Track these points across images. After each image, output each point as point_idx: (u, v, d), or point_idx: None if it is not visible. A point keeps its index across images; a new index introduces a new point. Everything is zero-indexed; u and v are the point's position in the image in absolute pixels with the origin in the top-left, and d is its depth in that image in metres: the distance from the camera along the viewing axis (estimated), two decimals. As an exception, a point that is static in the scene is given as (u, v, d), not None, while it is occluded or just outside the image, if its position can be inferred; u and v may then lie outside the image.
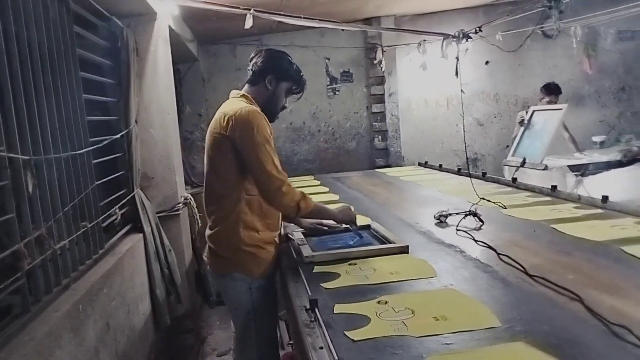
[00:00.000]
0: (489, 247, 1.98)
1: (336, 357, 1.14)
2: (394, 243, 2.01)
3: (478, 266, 1.78)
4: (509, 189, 3.52)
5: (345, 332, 1.26)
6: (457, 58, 3.48)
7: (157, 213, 3.20)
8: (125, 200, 2.88)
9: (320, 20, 3.66)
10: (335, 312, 1.41)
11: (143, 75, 3.21)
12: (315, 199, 3.67)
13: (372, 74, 6.14)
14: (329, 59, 6.18)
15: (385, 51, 5.73)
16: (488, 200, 2.79)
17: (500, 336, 1.21)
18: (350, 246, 2.06)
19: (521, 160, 4.26)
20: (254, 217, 2.01)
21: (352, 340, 1.23)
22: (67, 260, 2.00)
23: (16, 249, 1.56)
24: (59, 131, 2.04)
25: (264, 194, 1.95)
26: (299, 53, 6.09)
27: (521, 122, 4.66)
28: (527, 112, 4.63)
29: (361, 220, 2.35)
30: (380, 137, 6.26)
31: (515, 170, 4.29)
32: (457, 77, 3.33)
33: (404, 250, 1.95)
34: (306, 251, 1.97)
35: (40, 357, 1.53)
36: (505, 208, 2.74)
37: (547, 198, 3.01)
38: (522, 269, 1.67)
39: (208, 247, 2.12)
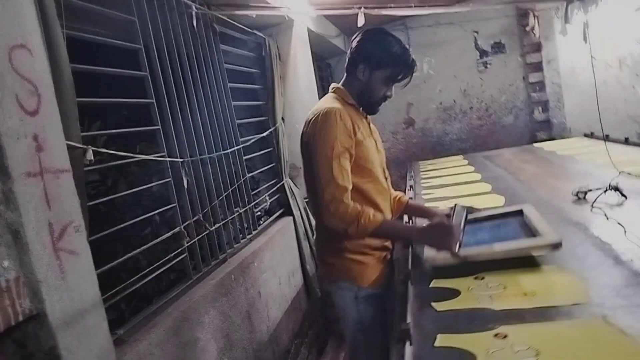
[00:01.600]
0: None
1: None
2: (544, 237, 1.54)
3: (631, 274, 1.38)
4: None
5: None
6: (585, 22, 3.13)
7: (305, 199, 3.59)
8: (275, 188, 3.33)
9: (430, 6, 3.62)
10: (435, 344, 1.15)
11: (286, 78, 3.62)
12: (457, 178, 3.75)
13: (526, 42, 5.76)
14: (477, 32, 5.97)
15: (537, 16, 5.33)
16: (629, 174, 2.55)
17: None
18: (486, 242, 1.65)
19: None
20: None
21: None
22: (223, 239, 2.46)
23: (177, 230, 2.03)
24: (212, 135, 2.51)
25: (320, 210, 1.68)
26: (445, 31, 6.02)
27: None
28: None
29: (493, 202, 2.09)
30: (540, 108, 5.85)
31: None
32: (585, 43, 3.00)
33: (557, 246, 1.48)
34: (428, 252, 1.62)
35: (197, 313, 1.98)
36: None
37: None
38: None
39: (316, 252, 1.95)
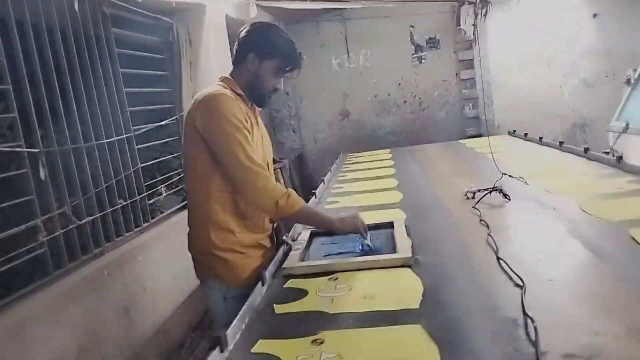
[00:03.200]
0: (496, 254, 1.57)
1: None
2: (396, 254, 1.61)
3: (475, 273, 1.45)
4: (608, 169, 2.72)
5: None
6: (474, 25, 3.19)
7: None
8: (178, 178, 3.25)
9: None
10: (252, 350, 1.15)
11: (197, 63, 3.53)
12: (372, 172, 3.79)
13: (459, 39, 5.84)
14: (413, 27, 6.00)
15: (469, 15, 5.39)
16: (510, 176, 2.61)
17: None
18: (351, 253, 1.72)
19: (624, 125, 3.77)
20: (228, 216, 1.71)
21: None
22: (100, 232, 2.38)
23: (33, 224, 1.93)
24: (92, 122, 2.41)
25: (239, 189, 1.67)
26: (382, 24, 6.03)
27: (627, 82, 4.12)
28: (635, 70, 4.07)
29: (389, 216, 2.10)
30: (470, 105, 5.97)
31: (617, 138, 3.82)
32: (475, 45, 3.05)
33: (407, 263, 1.54)
34: (289, 261, 1.67)
35: (51, 311, 1.91)
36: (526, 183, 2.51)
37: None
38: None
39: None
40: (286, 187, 1.69)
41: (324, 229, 1.84)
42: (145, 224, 2.81)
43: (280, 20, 5.78)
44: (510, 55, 5.85)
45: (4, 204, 1.86)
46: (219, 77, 1.80)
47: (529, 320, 1.09)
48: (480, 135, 5.74)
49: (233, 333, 1.22)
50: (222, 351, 1.12)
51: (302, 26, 6.19)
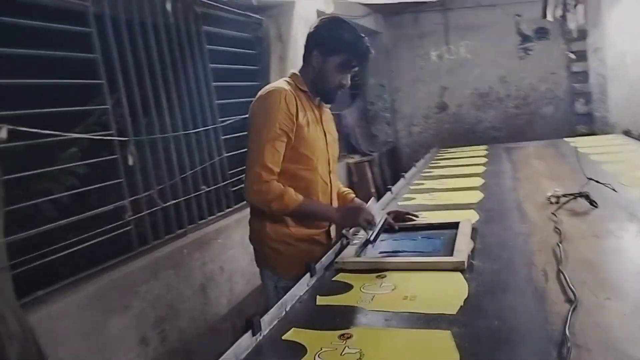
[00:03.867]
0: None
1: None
2: (450, 257, 1.54)
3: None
4: None
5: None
6: (563, 16, 2.86)
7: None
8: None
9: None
10: (283, 337, 1.21)
11: (286, 59, 3.65)
12: (459, 170, 3.66)
13: (571, 29, 5.36)
14: (520, 16, 5.64)
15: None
16: (597, 182, 2.38)
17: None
18: (409, 252, 1.69)
19: None
20: None
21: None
22: (183, 215, 2.60)
23: (121, 204, 2.18)
24: (181, 114, 2.63)
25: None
26: (486, 13, 5.75)
27: None
28: None
29: (460, 217, 1.97)
30: (582, 100, 5.48)
31: None
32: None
33: (459, 267, 1.48)
34: (343, 255, 1.69)
35: (131, 282, 2.14)
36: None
37: None
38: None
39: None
40: (283, 187, 1.67)
41: (327, 221, 1.86)
42: (227, 210, 3.01)
43: (378, 13, 5.76)
44: (632, 46, 5.26)
45: (96, 186, 2.12)
46: (289, 73, 1.85)
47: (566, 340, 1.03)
48: (593, 133, 5.27)
49: (270, 319, 1.29)
50: (253, 335, 1.21)
51: (400, 18, 6.10)
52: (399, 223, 1.96)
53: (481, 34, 5.82)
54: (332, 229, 1.93)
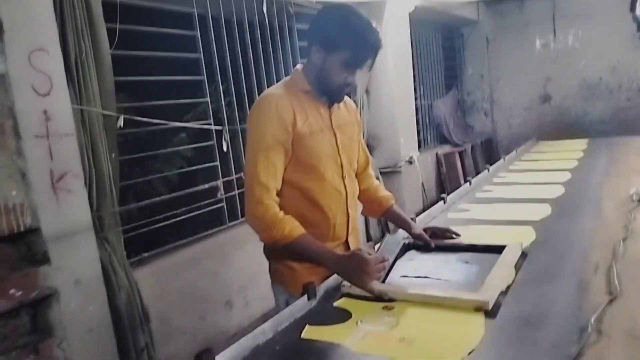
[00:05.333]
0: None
1: None
2: (474, 294, 1.27)
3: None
4: None
5: None
6: None
7: (381, 169, 3.82)
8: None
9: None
10: None
11: (375, 53, 3.80)
12: (549, 164, 3.55)
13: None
14: (636, 1, 5.20)
15: None
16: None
17: None
18: (431, 280, 1.46)
19: None
20: None
21: None
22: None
23: (214, 184, 2.51)
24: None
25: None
26: (598, -1, 5.38)
27: None
28: None
29: (514, 235, 1.75)
30: None
31: None
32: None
33: (482, 308, 1.21)
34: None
35: (221, 251, 2.46)
36: None
37: None
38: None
39: None
40: (279, 216, 1.45)
41: (319, 264, 1.51)
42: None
43: (479, 2, 5.64)
44: None
45: (195, 167, 2.47)
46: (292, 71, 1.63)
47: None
48: None
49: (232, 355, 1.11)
50: None
51: (504, 6, 5.90)
52: (437, 240, 1.72)
53: (591, 22, 5.46)
54: (351, 240, 1.68)
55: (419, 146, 4.98)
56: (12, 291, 1.44)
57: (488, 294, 1.24)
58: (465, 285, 1.38)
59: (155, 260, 2.21)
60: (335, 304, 1.37)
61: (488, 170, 3.29)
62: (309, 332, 1.22)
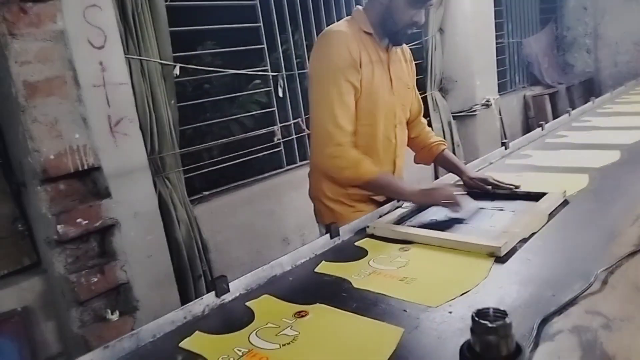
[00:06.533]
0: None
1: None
2: (486, 241, 1.25)
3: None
4: None
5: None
6: None
7: (455, 113, 3.69)
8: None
9: None
10: (246, 303, 1.12)
11: (450, 8, 3.60)
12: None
13: None
14: None
15: None
16: None
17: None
18: (456, 225, 1.45)
19: None
20: None
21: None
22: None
23: (272, 129, 2.63)
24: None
25: (312, 146, 1.60)
26: None
27: None
28: None
29: (566, 182, 1.67)
30: None
31: None
32: None
33: (494, 254, 1.20)
34: (379, 220, 1.50)
35: (277, 193, 2.61)
36: None
37: None
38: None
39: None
40: (359, 154, 1.50)
41: (401, 199, 1.57)
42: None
43: None
44: None
45: (254, 113, 2.60)
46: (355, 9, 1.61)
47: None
48: None
49: (247, 282, 1.19)
50: (217, 296, 1.13)
51: None
52: (487, 186, 1.69)
53: None
54: None
55: (507, 88, 4.70)
56: (79, 220, 1.69)
57: (502, 240, 1.22)
58: (489, 231, 1.37)
59: (215, 198, 2.42)
60: (357, 243, 1.41)
61: (569, 114, 3.06)
62: (323, 267, 1.28)
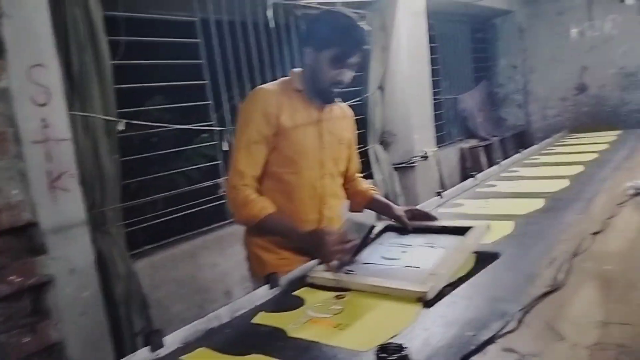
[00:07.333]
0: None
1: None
2: (413, 284, 1.30)
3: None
4: None
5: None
6: None
7: (396, 164, 3.86)
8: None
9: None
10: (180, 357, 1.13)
11: (389, 49, 3.84)
12: (567, 157, 3.46)
13: None
14: (678, -17, 4.92)
15: None
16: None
17: None
18: (391, 267, 1.50)
19: None
20: None
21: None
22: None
23: (217, 181, 2.66)
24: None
25: None
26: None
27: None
28: None
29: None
30: None
31: None
32: None
33: (422, 298, 1.25)
34: (316, 267, 1.50)
35: (221, 246, 2.61)
36: None
37: None
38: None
39: None
40: (253, 196, 1.56)
41: (290, 240, 1.62)
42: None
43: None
44: None
45: (200, 165, 2.64)
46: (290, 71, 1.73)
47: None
48: None
49: (184, 335, 1.22)
50: (152, 350, 1.14)
51: (539, -6, 5.74)
52: (415, 223, 1.76)
53: (631, 7, 5.21)
54: None
55: (445, 140, 4.97)
56: (12, 277, 1.66)
57: (429, 285, 1.28)
58: (420, 272, 1.40)
59: (157, 252, 2.40)
60: (294, 292, 1.44)
61: (500, 165, 3.26)
62: (261, 318, 1.31)
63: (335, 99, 1.71)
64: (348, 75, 1.61)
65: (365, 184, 1.95)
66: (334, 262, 1.44)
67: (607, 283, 1.28)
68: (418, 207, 1.99)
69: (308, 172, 1.65)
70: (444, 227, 1.72)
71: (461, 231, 1.62)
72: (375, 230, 1.72)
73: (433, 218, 1.80)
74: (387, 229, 1.78)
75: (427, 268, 1.41)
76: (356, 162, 1.93)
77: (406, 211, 1.80)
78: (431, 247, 1.59)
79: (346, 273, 1.45)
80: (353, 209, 1.97)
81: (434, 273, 1.35)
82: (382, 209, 1.88)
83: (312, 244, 1.50)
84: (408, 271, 1.45)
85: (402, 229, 1.76)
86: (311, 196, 1.67)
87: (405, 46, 3.86)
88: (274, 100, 1.59)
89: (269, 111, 1.57)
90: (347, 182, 1.90)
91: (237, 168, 1.58)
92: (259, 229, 1.62)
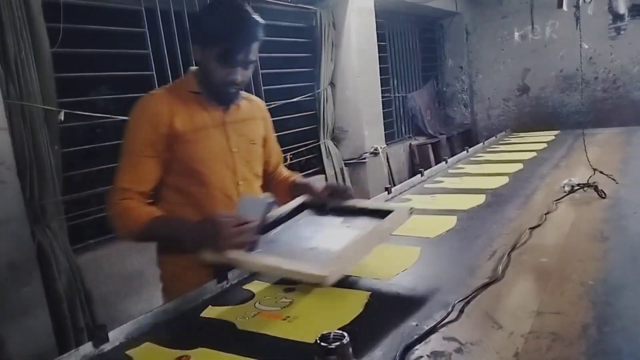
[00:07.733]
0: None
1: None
2: (316, 267, 1.17)
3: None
4: None
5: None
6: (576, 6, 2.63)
7: (346, 160, 3.91)
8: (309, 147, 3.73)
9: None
10: (127, 352, 1.12)
11: (339, 46, 3.87)
12: (508, 155, 3.63)
13: (672, 4, 4.89)
14: (612, -7, 5.23)
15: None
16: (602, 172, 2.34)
17: None
18: (303, 248, 1.37)
19: None
20: None
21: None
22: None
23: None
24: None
25: None
26: (574, -11, 5.41)
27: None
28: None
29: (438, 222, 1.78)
30: (682, 83, 4.99)
31: None
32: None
33: (324, 283, 1.16)
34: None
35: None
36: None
37: None
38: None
39: None
40: (129, 206, 1.37)
41: (181, 237, 1.36)
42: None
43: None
44: None
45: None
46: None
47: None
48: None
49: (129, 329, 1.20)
50: (95, 347, 1.13)
51: (484, -2, 5.96)
52: (335, 201, 1.57)
53: (569, 13, 5.49)
54: None
55: (395, 137, 5.07)
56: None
57: (329, 269, 1.15)
58: (327, 254, 1.28)
59: (102, 247, 2.33)
60: (244, 286, 1.42)
61: (446, 162, 3.37)
62: (209, 312, 1.29)
63: (235, 99, 1.52)
64: (242, 74, 1.42)
65: (286, 172, 1.78)
66: (235, 252, 1.27)
67: (543, 275, 1.35)
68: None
69: (218, 181, 1.47)
70: (364, 208, 1.58)
71: (382, 214, 1.49)
72: (281, 207, 1.54)
73: (350, 194, 1.59)
74: (304, 206, 1.59)
75: (336, 249, 1.28)
76: (277, 156, 1.76)
77: (325, 188, 1.59)
78: (348, 227, 1.48)
79: (248, 251, 1.29)
80: (280, 200, 1.67)
81: (340, 256, 1.23)
82: (304, 191, 1.64)
83: (206, 234, 1.27)
84: (315, 252, 1.33)
85: (321, 208, 1.57)
86: (228, 206, 1.46)
87: (355, 43, 3.91)
88: (163, 105, 1.41)
89: (157, 119, 1.39)
90: (270, 177, 1.74)
91: (119, 185, 1.38)
92: (146, 238, 1.44)
